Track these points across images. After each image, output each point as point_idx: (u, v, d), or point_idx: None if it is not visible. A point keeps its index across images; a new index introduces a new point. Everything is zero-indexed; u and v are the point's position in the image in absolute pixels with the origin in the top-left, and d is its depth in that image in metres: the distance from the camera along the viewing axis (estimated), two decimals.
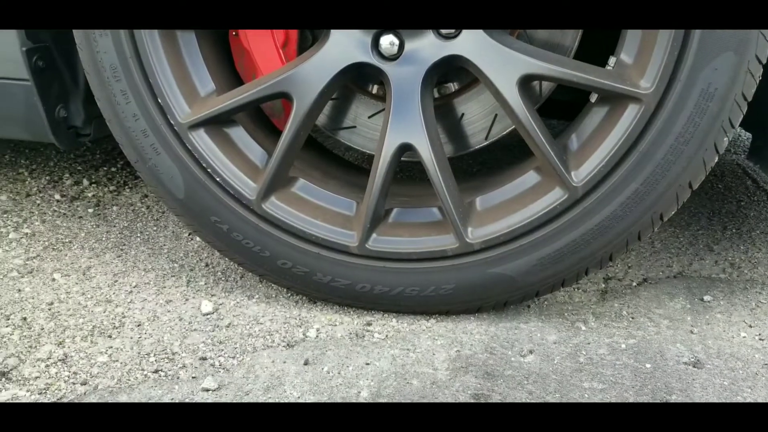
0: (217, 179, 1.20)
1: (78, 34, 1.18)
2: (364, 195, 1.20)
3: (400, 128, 1.15)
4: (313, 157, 1.38)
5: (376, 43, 1.16)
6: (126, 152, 1.23)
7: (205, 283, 1.34)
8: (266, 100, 1.21)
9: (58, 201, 1.76)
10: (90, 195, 1.81)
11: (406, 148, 1.16)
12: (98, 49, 1.17)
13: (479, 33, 1.11)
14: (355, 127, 1.35)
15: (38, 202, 1.76)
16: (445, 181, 1.15)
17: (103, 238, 1.54)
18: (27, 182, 1.89)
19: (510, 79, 1.09)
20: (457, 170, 1.23)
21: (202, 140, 1.20)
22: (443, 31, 1.14)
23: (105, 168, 2.00)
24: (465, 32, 1.12)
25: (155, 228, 1.61)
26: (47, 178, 1.92)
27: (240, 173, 1.21)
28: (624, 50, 1.09)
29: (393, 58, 1.16)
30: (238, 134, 1.24)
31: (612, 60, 1.13)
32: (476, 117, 1.30)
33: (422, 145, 1.15)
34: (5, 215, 1.65)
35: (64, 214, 1.68)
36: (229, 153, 1.21)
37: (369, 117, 1.34)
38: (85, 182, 1.89)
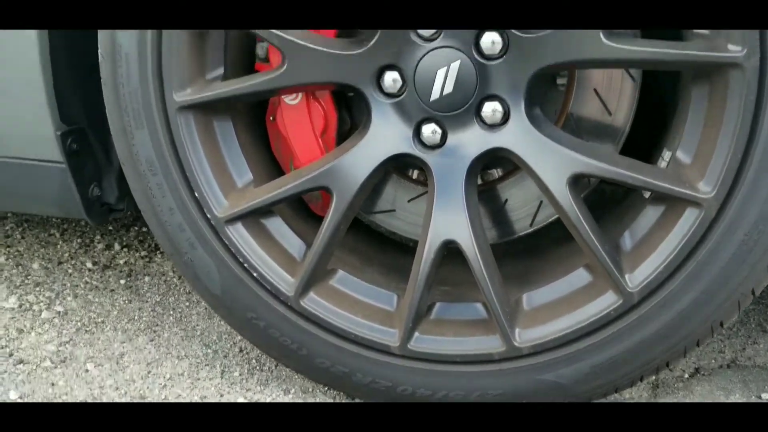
0: (255, 274, 1.16)
1: (114, 128, 1.16)
2: (405, 285, 1.16)
3: (443, 223, 1.11)
4: (351, 238, 1.34)
5: (418, 132, 1.12)
6: (161, 244, 1.20)
7: (240, 374, 1.30)
8: (305, 193, 1.17)
9: (90, 270, 1.74)
10: (122, 262, 1.79)
11: (449, 244, 1.12)
12: (134, 142, 1.14)
13: (525, 124, 1.07)
14: (394, 210, 1.31)
15: (70, 271, 1.73)
16: (490, 277, 1.10)
17: (136, 317, 1.51)
18: (59, 246, 1.87)
19: (559, 178, 1.04)
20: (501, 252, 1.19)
21: (239, 234, 1.16)
22: (488, 121, 1.10)
23: (136, 228, 1.98)
24: (511, 123, 1.08)
25: (187, 304, 1.58)
26: (78, 240, 1.90)
27: (277, 267, 1.17)
28: (681, 147, 1.04)
29: (436, 147, 1.12)
30: (276, 225, 1.21)
31: (666, 154, 1.08)
32: (520, 203, 1.26)
33: (467, 242, 1.10)
34: (38, 288, 1.63)
35: (96, 287, 1.65)
36: (266, 246, 1.18)
37: (408, 201, 1.30)
38: (117, 246, 1.87)
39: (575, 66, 1.11)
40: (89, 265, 1.77)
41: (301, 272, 1.16)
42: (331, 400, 1.22)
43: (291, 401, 1.23)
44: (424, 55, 1.08)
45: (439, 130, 1.11)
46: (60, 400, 1.21)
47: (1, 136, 1.32)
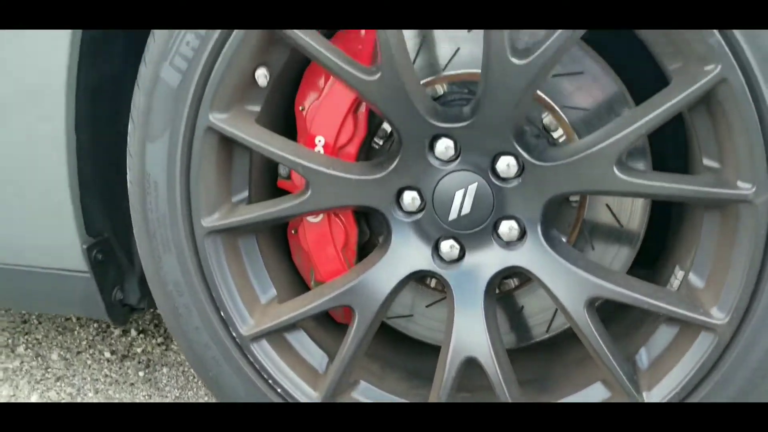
0: (278, 390, 1.19)
1: (142, 251, 1.19)
2: (425, 391, 1.19)
3: (463, 340, 1.14)
4: (372, 343, 1.37)
5: (437, 248, 1.16)
6: (187, 359, 1.23)
7: None
8: (328, 310, 1.20)
9: (108, 361, 1.77)
10: (139, 351, 1.81)
11: (470, 361, 1.14)
12: (162, 265, 1.18)
13: (541, 245, 1.11)
14: (412, 315, 1.34)
15: (89, 362, 1.76)
16: (509, 390, 1.13)
17: None
18: (76, 332, 1.90)
19: (576, 301, 1.08)
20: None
21: (263, 350, 1.19)
22: (505, 238, 1.13)
23: (152, 311, 2.01)
24: (527, 243, 1.12)
25: (206, 398, 1.60)
26: (95, 326, 1.93)
27: (301, 381, 1.20)
28: (693, 270, 1.07)
29: (454, 262, 1.16)
30: (299, 338, 1.24)
31: (679, 273, 1.12)
32: (536, 310, 1.29)
33: (486, 357, 1.13)
34: (59, 384, 1.66)
35: (116, 380, 1.68)
36: (289, 360, 1.21)
37: (427, 306, 1.33)
38: (133, 332, 1.90)
39: (589, 194, 1.15)
40: (107, 354, 1.80)
41: (324, 386, 1.18)
42: None
43: None
44: (442, 178, 1.12)
45: (457, 246, 1.15)
46: None
47: (29, 247, 1.36)
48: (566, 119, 1.16)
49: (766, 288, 0.99)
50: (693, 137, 1.04)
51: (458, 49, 1.18)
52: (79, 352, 1.80)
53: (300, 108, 1.21)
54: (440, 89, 1.19)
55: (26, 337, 1.88)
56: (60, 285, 1.39)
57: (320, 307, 1.17)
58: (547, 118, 1.16)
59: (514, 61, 0.99)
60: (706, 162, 1.02)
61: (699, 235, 1.06)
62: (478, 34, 1.12)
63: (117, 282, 1.43)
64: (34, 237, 1.34)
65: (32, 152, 1.24)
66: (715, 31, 0.92)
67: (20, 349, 1.82)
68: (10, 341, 1.87)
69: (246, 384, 1.19)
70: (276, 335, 1.21)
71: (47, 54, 1.16)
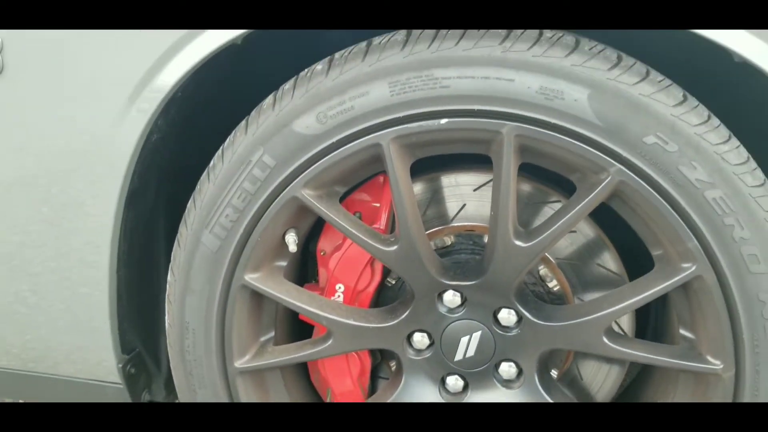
0: None
1: (179, 385, 1.32)
2: None
3: None
4: None
5: (443, 383, 1.30)
6: None
7: None
8: None
9: None
10: None
11: None
12: (197, 398, 1.31)
13: (537, 387, 1.26)
14: None
15: None
16: None
17: None
18: None
19: None
20: None
21: None
22: (504, 376, 1.28)
23: None
24: (525, 386, 1.27)
25: None
26: None
27: None
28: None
29: (459, 394, 1.30)
30: None
31: None
32: None
33: None
34: None
35: None
36: None
37: None
38: None
39: (579, 352, 1.30)
40: None
41: None
42: None
43: None
44: (449, 324, 1.26)
45: (461, 381, 1.30)
46: None
47: (73, 361, 1.48)
48: (561, 271, 1.30)
49: None
50: (673, 311, 1.19)
51: (464, 204, 1.31)
52: None
53: (321, 252, 1.34)
54: (448, 240, 1.32)
55: None
56: (94, 391, 1.52)
57: None
58: (543, 270, 1.31)
59: (518, 243, 1.13)
60: (683, 332, 1.17)
61: (676, 389, 1.22)
62: (484, 192, 1.27)
63: (146, 386, 1.56)
64: (76, 354, 1.46)
65: (77, 291, 1.36)
66: (693, 237, 1.06)
67: None
68: None
69: None
70: None
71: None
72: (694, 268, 1.07)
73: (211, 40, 1.11)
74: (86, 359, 1.47)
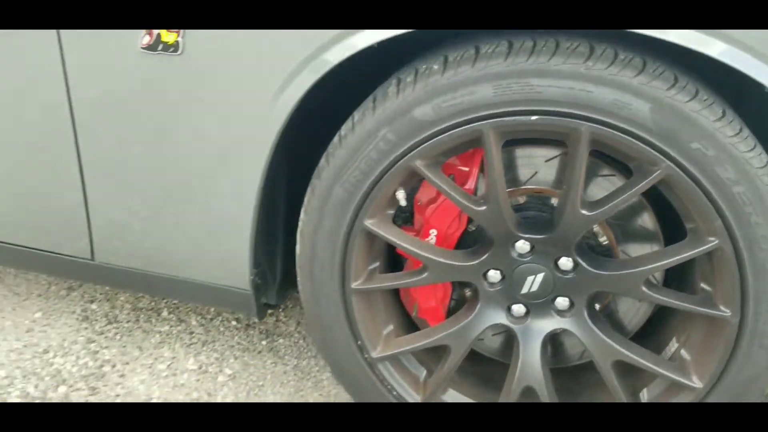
0: (394, 393, 1.74)
1: (306, 298, 1.70)
2: (495, 396, 1.74)
3: (524, 375, 1.67)
4: None
5: (509, 309, 1.67)
6: (332, 372, 1.78)
7: None
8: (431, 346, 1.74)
9: (236, 328, 2.31)
10: (256, 320, 2.36)
11: (528, 388, 1.68)
12: (320, 307, 1.70)
13: (584, 318, 1.62)
14: (483, 339, 1.87)
15: (221, 329, 2.31)
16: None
17: (285, 381, 2.10)
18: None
19: (605, 361, 1.60)
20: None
21: (385, 368, 1.73)
22: (559, 308, 1.64)
23: None
24: (576, 313, 1.63)
25: (317, 368, 2.16)
26: None
27: (408, 388, 1.75)
28: (686, 347, 1.60)
29: (521, 318, 1.67)
30: (407, 358, 1.77)
31: (674, 344, 1.64)
32: (572, 345, 1.82)
33: (541, 388, 1.67)
34: (205, 348, 2.21)
35: (247, 348, 2.23)
36: (401, 373, 1.75)
37: (493, 335, 1.86)
38: None
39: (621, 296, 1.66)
40: (234, 323, 2.34)
41: (426, 392, 1.74)
42: None
43: None
44: (518, 266, 1.62)
45: (524, 309, 1.67)
46: None
47: (210, 267, 1.87)
48: (610, 228, 1.64)
49: (732, 367, 1.52)
50: (697, 269, 1.53)
51: (536, 171, 1.64)
52: (211, 319, 2.35)
53: (418, 202, 1.69)
54: (521, 200, 1.66)
55: (165, 301, 2.42)
56: (226, 295, 1.91)
57: (426, 345, 1.70)
58: (596, 228, 1.64)
59: (584, 212, 1.47)
60: (703, 285, 1.51)
61: (692, 327, 1.57)
62: (553, 163, 1.59)
63: (264, 292, 1.96)
64: (214, 263, 1.85)
65: (223, 228, 1.73)
66: (718, 218, 1.39)
67: (164, 313, 2.37)
68: (153, 304, 2.42)
69: (372, 389, 1.75)
70: (393, 357, 1.75)
71: None
72: (717, 241, 1.40)
73: (369, 37, 1.42)
74: (226, 270, 1.86)
